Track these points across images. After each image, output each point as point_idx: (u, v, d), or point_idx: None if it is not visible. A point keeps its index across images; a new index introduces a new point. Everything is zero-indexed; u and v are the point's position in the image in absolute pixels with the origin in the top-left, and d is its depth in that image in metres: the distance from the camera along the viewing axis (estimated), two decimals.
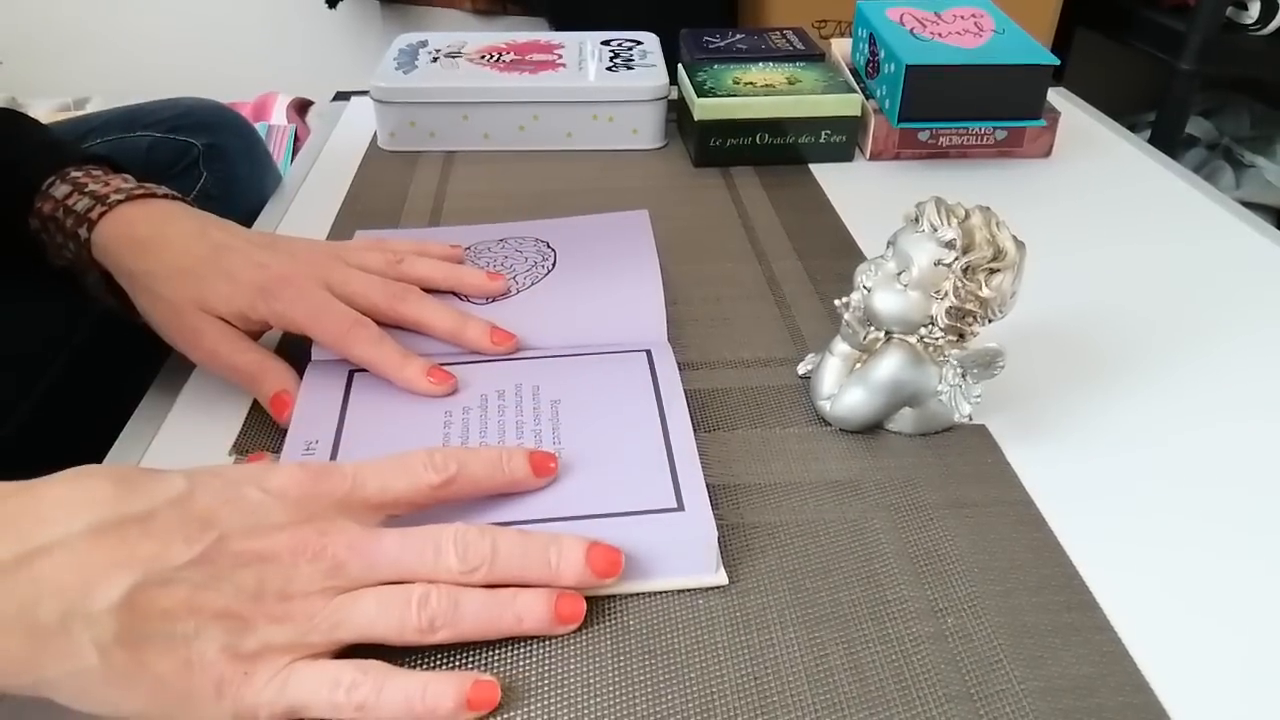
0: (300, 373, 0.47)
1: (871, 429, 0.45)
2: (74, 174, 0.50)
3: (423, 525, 0.35)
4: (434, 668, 0.34)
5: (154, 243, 0.47)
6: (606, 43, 0.83)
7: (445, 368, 0.46)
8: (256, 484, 0.33)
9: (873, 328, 0.44)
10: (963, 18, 0.75)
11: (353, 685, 0.31)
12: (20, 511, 0.30)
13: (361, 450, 0.42)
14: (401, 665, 0.33)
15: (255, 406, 0.47)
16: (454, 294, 0.51)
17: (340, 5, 1.73)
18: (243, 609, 0.31)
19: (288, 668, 0.32)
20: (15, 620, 0.29)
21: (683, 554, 0.37)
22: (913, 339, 0.43)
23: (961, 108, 0.71)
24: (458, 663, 0.34)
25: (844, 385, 0.45)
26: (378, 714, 0.31)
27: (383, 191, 0.70)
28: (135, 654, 0.30)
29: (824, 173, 0.73)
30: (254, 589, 0.32)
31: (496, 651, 0.34)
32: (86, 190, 0.49)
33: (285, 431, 0.43)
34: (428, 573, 0.34)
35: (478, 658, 0.34)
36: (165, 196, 0.50)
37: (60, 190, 0.50)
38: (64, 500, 0.31)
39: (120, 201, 0.48)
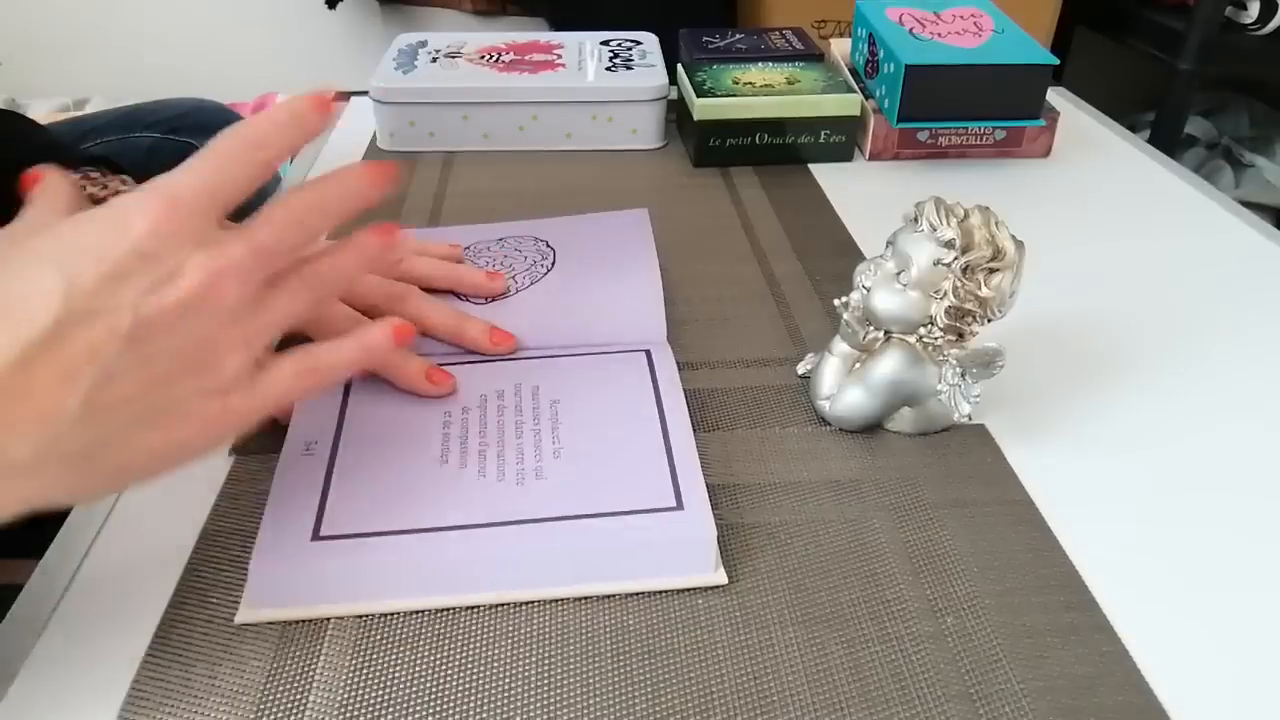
0: None
1: (871, 429, 0.45)
2: (72, 176, 0.50)
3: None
4: None
5: None
6: (606, 43, 0.83)
7: (444, 368, 0.46)
8: (126, 239, 0.31)
9: (872, 327, 0.44)
10: (962, 17, 0.75)
11: (316, 353, 0.36)
12: None
13: (361, 450, 0.42)
14: None
15: None
16: (453, 293, 0.51)
17: (340, 6, 1.74)
18: (198, 357, 0.32)
19: (257, 376, 0.34)
20: None
21: (682, 553, 0.37)
22: (912, 339, 0.43)
23: (961, 108, 0.71)
24: (464, 643, 0.34)
25: (843, 385, 0.45)
26: (333, 369, 0.36)
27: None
28: (122, 443, 0.31)
29: (823, 173, 0.73)
30: (197, 337, 0.32)
31: (496, 650, 0.35)
32: (85, 192, 0.49)
33: (285, 430, 0.43)
34: (312, 225, 0.36)
35: (480, 653, 0.34)
36: None
37: None
38: None
39: None
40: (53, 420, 0.29)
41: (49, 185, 0.37)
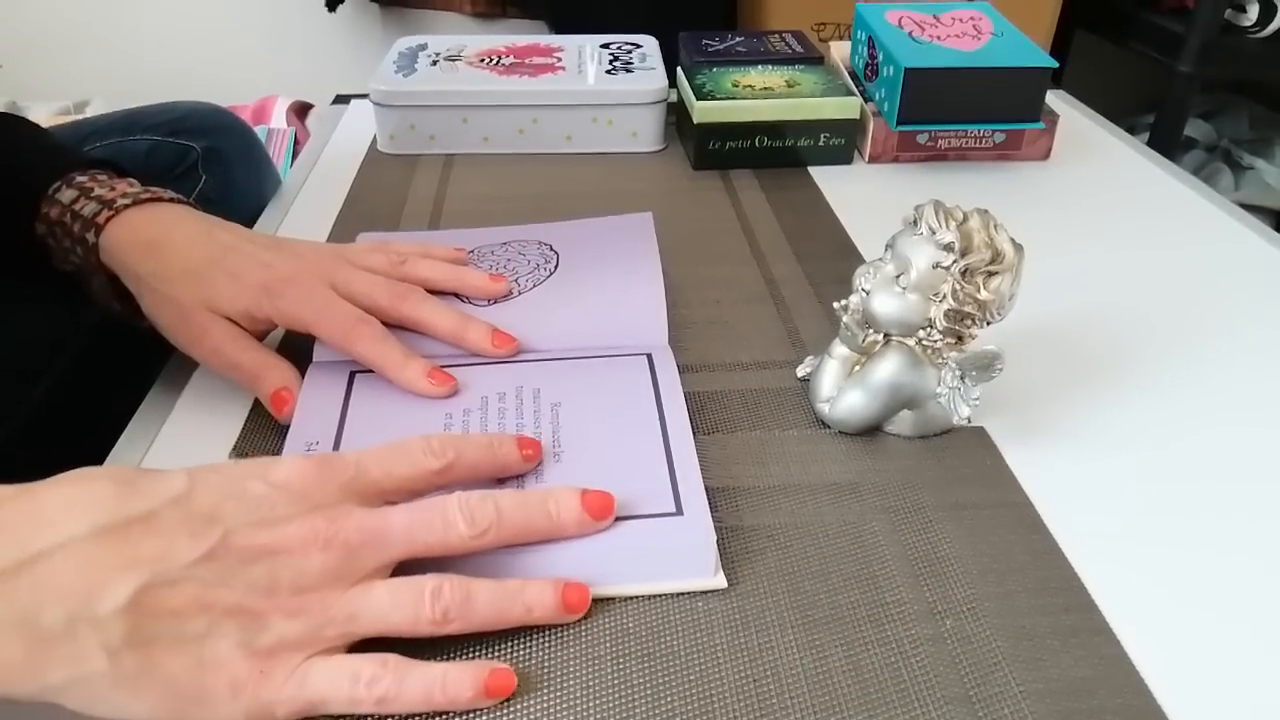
0: (302, 374, 0.47)
1: (870, 431, 0.45)
2: (79, 179, 0.50)
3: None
4: (446, 658, 0.34)
5: (161, 245, 0.47)
6: (606, 45, 0.83)
7: (446, 369, 0.46)
8: (260, 477, 0.33)
9: (871, 330, 0.44)
10: (961, 20, 0.75)
11: (373, 679, 0.31)
12: (20, 515, 0.30)
13: None
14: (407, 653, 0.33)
15: (255, 409, 0.47)
16: (456, 296, 0.51)
17: (340, 8, 1.74)
18: (255, 604, 0.31)
19: (304, 663, 0.31)
20: (18, 626, 0.28)
21: (682, 557, 0.37)
22: (911, 341, 0.43)
23: (960, 110, 0.71)
24: (463, 657, 0.34)
25: (843, 388, 0.45)
26: (398, 706, 0.32)
27: (382, 194, 0.70)
28: (145, 655, 0.29)
29: (823, 175, 0.73)
30: (266, 584, 0.31)
31: (495, 652, 0.35)
32: (93, 195, 0.49)
33: (286, 432, 0.44)
34: (439, 542, 0.34)
35: (480, 655, 0.34)
36: (171, 200, 0.50)
37: (66, 195, 0.50)
38: (65, 503, 0.30)
39: (127, 206, 0.48)
40: (96, 600, 0.29)
41: None
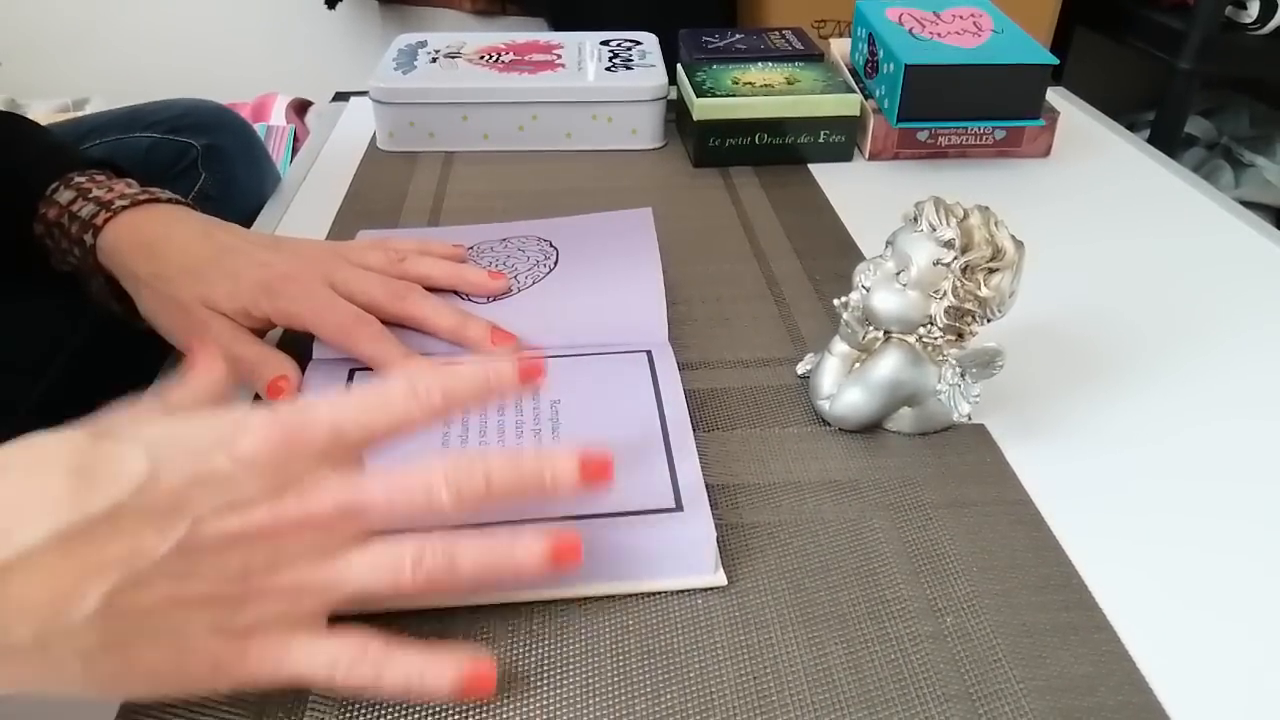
0: (302, 372, 0.47)
1: (870, 428, 0.45)
2: (78, 179, 0.50)
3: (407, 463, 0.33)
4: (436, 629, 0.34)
5: (159, 245, 0.47)
6: (605, 43, 0.83)
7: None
8: (226, 451, 0.31)
9: (872, 327, 0.44)
10: (962, 17, 0.75)
11: (351, 666, 0.31)
12: None
13: None
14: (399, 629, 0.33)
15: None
16: (455, 293, 0.51)
17: (339, 6, 1.73)
18: (229, 590, 0.30)
19: (283, 641, 0.31)
20: None
21: (682, 554, 0.37)
22: (912, 338, 0.43)
23: (960, 107, 0.71)
24: (464, 643, 0.34)
25: (843, 385, 0.45)
26: (375, 694, 0.32)
27: (382, 192, 0.70)
28: (120, 654, 0.29)
29: (823, 173, 0.73)
30: (239, 571, 0.30)
31: (495, 650, 0.35)
32: (91, 196, 0.49)
33: None
34: (422, 516, 0.32)
35: (480, 643, 0.34)
36: (169, 201, 0.50)
37: (64, 196, 0.50)
38: (17, 506, 0.28)
39: (125, 207, 0.48)
40: (65, 612, 0.28)
41: (204, 369, 0.38)
